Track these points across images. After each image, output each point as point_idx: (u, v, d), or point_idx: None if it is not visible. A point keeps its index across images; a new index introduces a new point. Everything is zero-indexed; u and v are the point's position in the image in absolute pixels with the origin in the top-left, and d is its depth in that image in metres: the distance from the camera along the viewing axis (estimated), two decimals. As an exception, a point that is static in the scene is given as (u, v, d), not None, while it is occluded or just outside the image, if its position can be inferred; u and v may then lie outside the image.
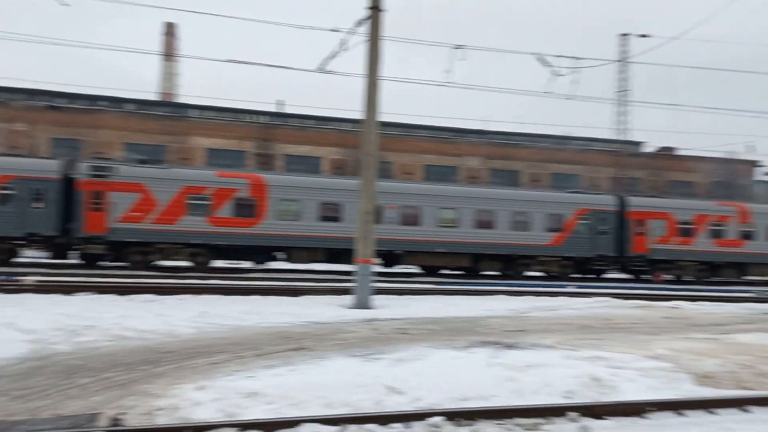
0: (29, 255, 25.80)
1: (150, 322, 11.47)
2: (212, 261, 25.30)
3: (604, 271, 30.25)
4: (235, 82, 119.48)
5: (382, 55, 15.88)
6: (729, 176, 49.14)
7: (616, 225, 29.52)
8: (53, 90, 48.85)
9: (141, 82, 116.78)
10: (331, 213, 25.95)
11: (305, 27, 17.46)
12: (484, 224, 27.78)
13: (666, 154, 54.41)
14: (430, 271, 28.90)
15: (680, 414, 7.20)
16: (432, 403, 7.04)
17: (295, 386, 7.24)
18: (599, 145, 55.69)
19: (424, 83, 46.44)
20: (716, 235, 30.58)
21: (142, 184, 24.16)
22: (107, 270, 22.70)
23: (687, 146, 78.22)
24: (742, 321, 15.42)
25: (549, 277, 28.34)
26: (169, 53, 71.62)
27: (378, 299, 16.17)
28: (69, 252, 24.58)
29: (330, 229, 25.61)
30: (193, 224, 24.44)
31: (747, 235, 30.90)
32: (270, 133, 45.43)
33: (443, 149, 48.47)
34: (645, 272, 29.91)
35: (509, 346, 10.13)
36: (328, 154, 45.72)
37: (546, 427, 6.57)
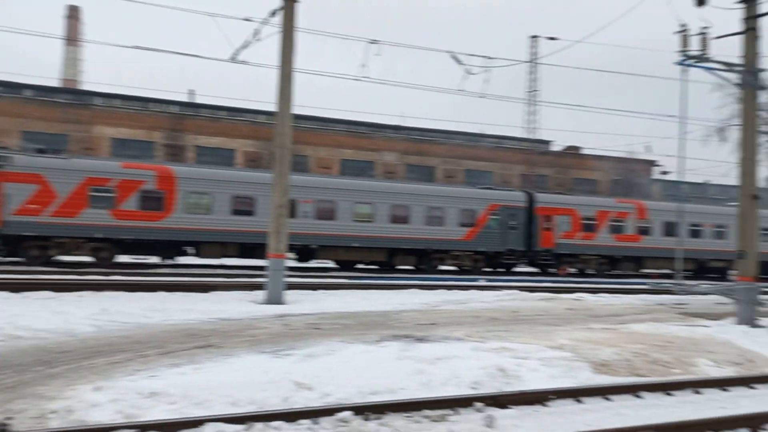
0: None
1: (46, 320, 10.84)
2: (117, 256, 24.22)
3: (514, 265, 31.27)
4: (144, 70, 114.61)
5: (296, 47, 15.67)
6: (628, 175, 52.07)
7: (525, 220, 30.58)
8: (-60, 72, 45.21)
9: (42, 67, 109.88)
10: (243, 207, 25.42)
11: (217, 15, 16.92)
12: (400, 219, 28.06)
13: (572, 153, 56.89)
14: (346, 265, 28.90)
15: (579, 401, 7.53)
16: (341, 398, 7.02)
17: (200, 385, 7.02)
18: (510, 143, 57.45)
19: (340, 77, 46.16)
20: (616, 230, 32.29)
21: (40, 174, 22.75)
22: None
23: (591, 146, 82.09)
24: (637, 311, 16.34)
25: (461, 271, 29.00)
26: (72, 38, 67.85)
27: (291, 294, 15.99)
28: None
29: (243, 224, 25.08)
30: (95, 217, 23.28)
31: (644, 231, 32.82)
32: (180, 123, 43.90)
33: (360, 144, 48.55)
34: (551, 266, 31.17)
35: (420, 340, 10.27)
36: (241, 146, 44.73)
37: (453, 417, 6.69)
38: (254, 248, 24.34)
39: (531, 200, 31.06)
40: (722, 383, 8.70)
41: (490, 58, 20.57)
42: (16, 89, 46.87)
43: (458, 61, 20.30)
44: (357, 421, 6.26)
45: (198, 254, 25.28)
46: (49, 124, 40.37)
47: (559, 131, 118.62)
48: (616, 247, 32.19)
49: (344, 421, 6.22)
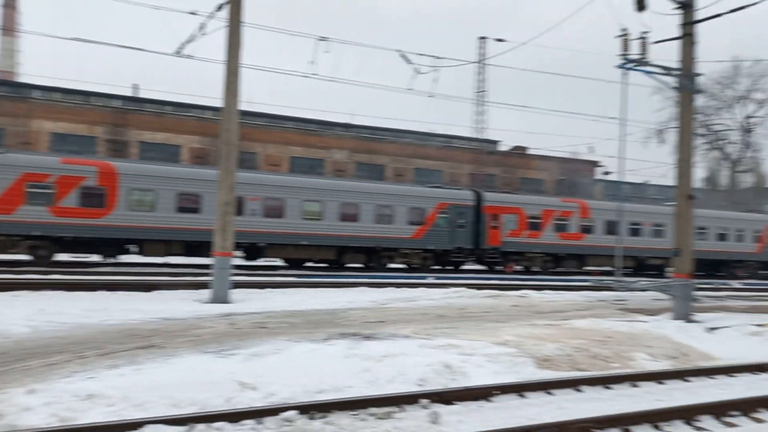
0: None
1: (-24, 321, 10.35)
2: (56, 255, 23.36)
3: (462, 263, 31.65)
4: (85, 63, 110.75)
5: (243, 42, 15.43)
6: (572, 175, 53.44)
7: (473, 219, 30.97)
8: None
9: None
10: (189, 204, 24.88)
11: (162, 8, 16.53)
12: (349, 217, 28.00)
13: (518, 152, 57.97)
14: (295, 263, 28.68)
15: (522, 396, 7.67)
16: (286, 398, 6.95)
17: (140, 386, 6.83)
18: (459, 142, 58.08)
19: (289, 74, 45.79)
20: (560, 228, 33.08)
21: (-27, 169, 21.77)
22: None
23: (537, 146, 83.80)
24: (579, 308, 16.77)
25: (411, 269, 29.16)
26: (8, 27, 65.15)
27: (237, 293, 15.76)
28: None
29: (188, 221, 24.55)
30: (33, 214, 22.40)
31: (587, 229, 33.73)
32: (124, 118, 42.64)
33: (310, 141, 48.20)
34: (498, 263, 31.68)
35: (367, 337, 10.27)
36: (187, 142, 43.77)
37: (398, 414, 6.71)
38: (200, 246, 23.88)
39: (479, 199, 31.47)
40: (658, 376, 9.00)
41: (438, 57, 20.79)
42: (-53, 80, 44.71)
43: (407, 60, 20.44)
44: (302, 421, 6.20)
45: (141, 252, 24.63)
46: (-17, 117, 38.64)
47: (506, 131, 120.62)
48: (561, 245, 32.97)
49: (289, 420, 6.16)
